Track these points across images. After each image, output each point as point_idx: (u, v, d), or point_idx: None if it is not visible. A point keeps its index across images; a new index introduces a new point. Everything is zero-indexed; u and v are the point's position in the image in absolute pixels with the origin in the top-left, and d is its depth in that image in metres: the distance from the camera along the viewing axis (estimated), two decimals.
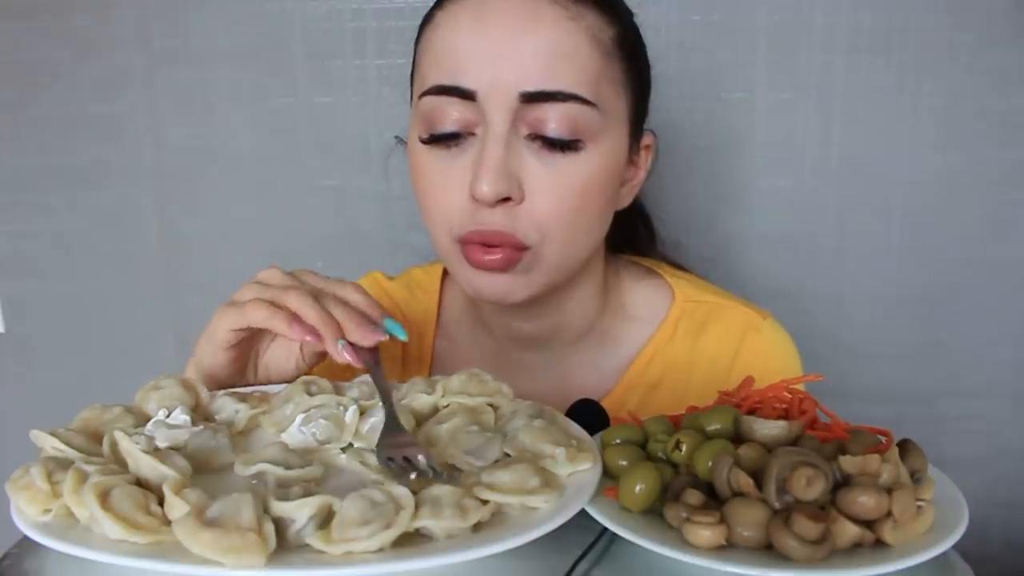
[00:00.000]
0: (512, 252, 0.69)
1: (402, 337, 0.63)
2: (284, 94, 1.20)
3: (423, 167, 0.72)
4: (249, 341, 0.67)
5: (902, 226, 1.18)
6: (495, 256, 0.69)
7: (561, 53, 0.67)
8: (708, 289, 0.86)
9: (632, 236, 0.91)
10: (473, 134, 0.69)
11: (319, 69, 1.19)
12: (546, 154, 0.68)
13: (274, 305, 0.61)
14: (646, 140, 0.78)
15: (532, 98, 0.67)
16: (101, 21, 1.19)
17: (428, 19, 0.73)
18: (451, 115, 0.69)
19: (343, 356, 0.60)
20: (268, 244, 1.24)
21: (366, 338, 0.60)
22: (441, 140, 0.70)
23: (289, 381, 0.66)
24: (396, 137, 0.80)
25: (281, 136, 1.22)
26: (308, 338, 0.60)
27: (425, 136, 0.70)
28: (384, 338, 0.61)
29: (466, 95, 0.68)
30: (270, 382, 0.70)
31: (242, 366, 0.68)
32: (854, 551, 0.46)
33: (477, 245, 0.70)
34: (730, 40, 1.14)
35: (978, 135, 1.15)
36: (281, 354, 0.69)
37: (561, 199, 0.69)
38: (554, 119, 0.67)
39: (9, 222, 1.27)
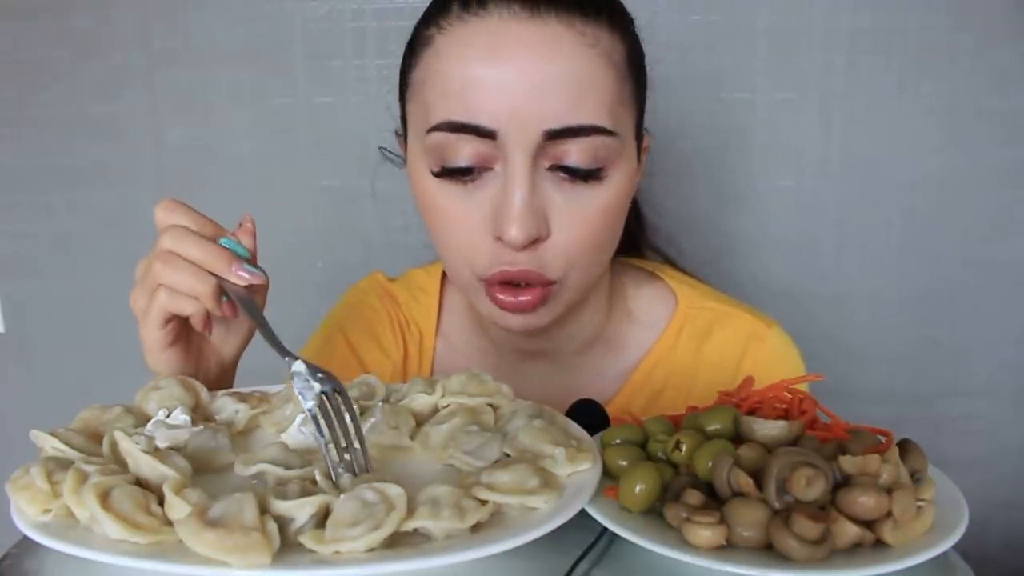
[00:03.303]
0: (542, 290, 0.69)
1: (246, 249, 0.63)
2: (284, 94, 1.20)
3: (435, 203, 0.69)
4: (182, 330, 0.67)
5: (902, 226, 1.18)
6: (526, 297, 0.68)
7: (582, 84, 0.65)
8: (711, 295, 0.84)
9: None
10: (490, 168, 0.67)
11: (319, 69, 1.19)
12: (568, 186, 0.67)
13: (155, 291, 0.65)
14: (644, 142, 0.77)
15: (557, 135, 0.65)
16: (101, 21, 1.19)
17: (426, 42, 0.68)
18: (464, 150, 0.66)
19: (235, 291, 0.61)
20: (268, 244, 1.22)
21: (245, 279, 0.61)
22: (455, 174, 0.67)
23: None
24: (381, 148, 0.78)
25: (281, 136, 1.21)
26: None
27: (437, 169, 0.68)
28: (254, 280, 0.62)
29: (485, 134, 0.64)
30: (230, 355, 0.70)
31: (195, 353, 0.68)
32: (854, 551, 0.46)
33: (506, 286, 0.68)
34: (730, 41, 1.14)
35: (978, 135, 1.15)
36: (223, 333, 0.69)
37: (584, 229, 0.68)
38: (576, 152, 0.65)
39: (9, 222, 1.27)
